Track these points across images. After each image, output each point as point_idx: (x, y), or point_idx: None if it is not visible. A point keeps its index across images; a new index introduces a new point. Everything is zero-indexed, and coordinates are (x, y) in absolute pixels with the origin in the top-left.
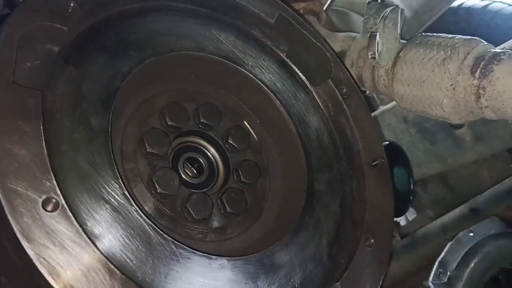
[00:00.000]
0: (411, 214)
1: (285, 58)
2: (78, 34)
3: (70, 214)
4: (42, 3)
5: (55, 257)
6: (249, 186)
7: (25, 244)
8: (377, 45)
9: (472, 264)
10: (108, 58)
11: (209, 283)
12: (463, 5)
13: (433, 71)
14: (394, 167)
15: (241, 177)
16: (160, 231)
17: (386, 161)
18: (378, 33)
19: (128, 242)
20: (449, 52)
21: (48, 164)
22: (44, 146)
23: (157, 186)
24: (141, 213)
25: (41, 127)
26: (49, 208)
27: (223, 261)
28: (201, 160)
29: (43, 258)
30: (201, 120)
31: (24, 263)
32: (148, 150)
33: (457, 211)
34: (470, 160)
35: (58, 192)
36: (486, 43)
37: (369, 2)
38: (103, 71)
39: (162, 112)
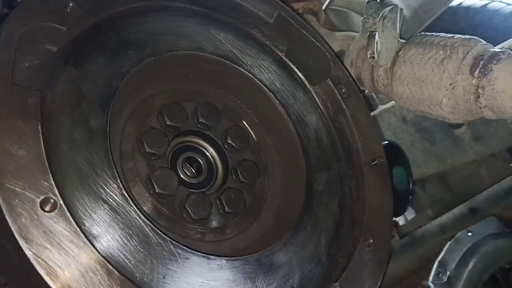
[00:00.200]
0: (410, 214)
1: (284, 58)
2: (77, 34)
3: (68, 214)
4: (41, 3)
5: (53, 258)
6: (248, 186)
7: (23, 244)
8: (376, 44)
9: (471, 264)
10: (107, 58)
11: (208, 283)
12: (462, 5)
13: (432, 70)
14: (393, 167)
15: (240, 177)
16: (159, 231)
17: (385, 160)
18: (377, 33)
19: (127, 242)
20: (448, 52)
21: (46, 164)
22: (43, 146)
23: (155, 186)
24: (139, 213)
25: (40, 127)
26: (47, 208)
27: (222, 261)
28: (200, 160)
29: (41, 259)
30: (200, 120)
31: (22, 263)
32: (146, 150)
33: (456, 211)
34: (469, 160)
35: (56, 192)
36: (485, 42)
37: (368, 1)
38: (102, 71)
39: (161, 112)
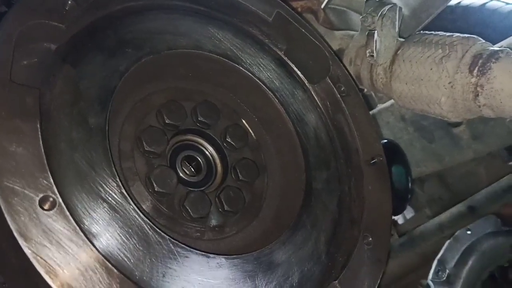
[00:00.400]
0: (408, 213)
1: (283, 56)
2: (76, 32)
3: (67, 212)
4: (40, 1)
5: (52, 256)
6: (247, 185)
7: (22, 243)
8: (375, 43)
9: (470, 262)
10: (105, 56)
11: (207, 281)
12: (461, 4)
13: (431, 69)
14: (392, 166)
15: (239, 175)
16: (158, 230)
17: (384, 159)
18: (376, 31)
19: (126, 240)
20: (447, 50)
21: (45, 163)
22: (41, 145)
23: (154, 185)
24: (138, 211)
25: (39, 126)
26: (46, 206)
27: (221, 259)
28: (199, 159)
29: (40, 257)
30: (199, 119)
31: (21, 262)
32: (145, 149)
33: (454, 210)
34: (467, 159)
35: (55, 190)
36: (484, 41)
37: (367, 0)
38: (101, 69)
39: (160, 111)
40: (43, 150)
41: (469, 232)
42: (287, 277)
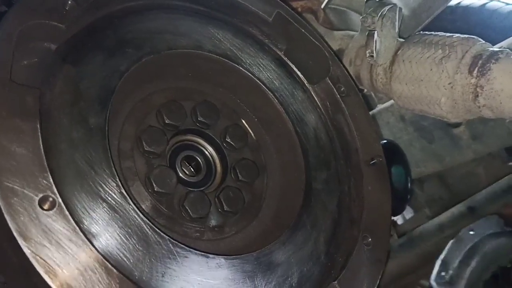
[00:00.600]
0: (408, 213)
1: (283, 57)
2: (76, 32)
3: (67, 212)
4: (40, 1)
5: (52, 256)
6: (247, 185)
7: (21, 242)
8: (375, 43)
9: (473, 263)
10: (105, 56)
11: (207, 281)
12: (461, 4)
13: (431, 69)
14: (392, 166)
15: (239, 175)
16: (157, 230)
17: (384, 159)
18: (376, 32)
19: (125, 240)
20: (447, 51)
21: (45, 163)
22: (41, 144)
23: (154, 185)
24: (138, 211)
25: (38, 125)
26: (46, 206)
27: (221, 260)
28: (198, 159)
29: (40, 257)
30: (198, 119)
31: (21, 261)
32: (145, 149)
33: (454, 210)
34: (467, 159)
35: (55, 190)
36: (483, 42)
37: (367, 0)
38: (101, 69)
39: (160, 111)
40: (43, 150)
41: (471, 233)
42: (287, 277)
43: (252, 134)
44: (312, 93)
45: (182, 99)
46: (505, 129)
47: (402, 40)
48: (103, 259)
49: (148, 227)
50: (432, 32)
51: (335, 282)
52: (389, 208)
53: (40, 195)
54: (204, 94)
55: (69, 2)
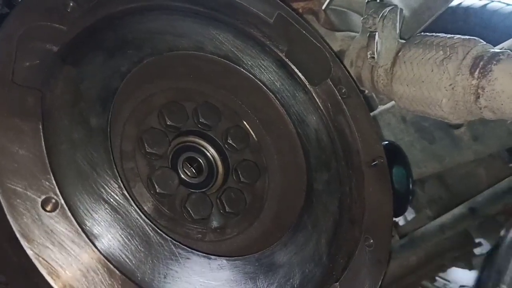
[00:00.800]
0: (409, 214)
1: (284, 58)
2: (77, 34)
3: (69, 214)
4: (41, 2)
5: (55, 257)
6: (248, 186)
7: (24, 244)
8: (376, 44)
9: None
10: (107, 57)
11: (208, 283)
12: (462, 5)
13: (432, 71)
14: (393, 167)
15: (240, 177)
16: (159, 231)
17: (385, 160)
18: (377, 33)
19: (127, 242)
20: (448, 52)
21: (47, 164)
22: (44, 146)
23: (156, 186)
24: (140, 213)
25: (40, 127)
26: (49, 208)
27: (222, 261)
28: (200, 160)
29: (43, 258)
30: (200, 120)
31: (23, 262)
32: (147, 150)
33: (455, 211)
34: (468, 160)
35: (58, 192)
36: (485, 43)
37: (368, 1)
38: (102, 70)
39: (161, 112)
40: (45, 151)
41: None
42: (288, 278)
43: (254, 135)
44: (313, 94)
45: (183, 101)
46: (505, 130)
47: (403, 41)
48: (106, 260)
49: (150, 228)
50: (433, 33)
51: (337, 283)
52: (390, 209)
53: (43, 197)
54: (205, 96)
55: (70, 3)
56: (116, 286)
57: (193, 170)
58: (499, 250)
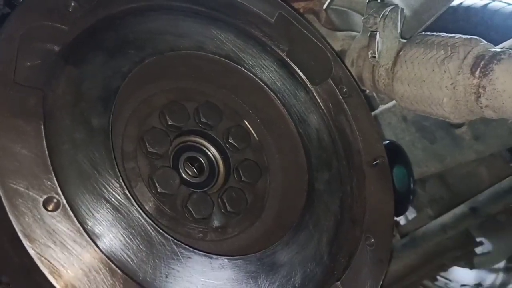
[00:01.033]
0: (410, 213)
1: (285, 58)
2: (79, 34)
3: (71, 213)
4: (43, 2)
5: (56, 257)
6: (250, 186)
7: (26, 243)
8: (377, 44)
9: None
10: (108, 57)
11: (210, 282)
12: (463, 4)
13: (433, 70)
14: (394, 166)
15: (242, 176)
16: (161, 231)
17: (386, 160)
18: (378, 32)
19: (129, 241)
20: (449, 52)
21: (49, 164)
22: (45, 146)
23: (157, 186)
24: (141, 212)
25: (42, 127)
26: (50, 207)
27: (224, 260)
28: (201, 160)
29: (45, 258)
30: (201, 120)
31: (25, 262)
32: (148, 150)
33: (456, 211)
34: (469, 159)
35: (59, 191)
36: (486, 42)
37: (369, 1)
38: (103, 70)
39: (163, 112)
40: (46, 151)
41: None
42: (290, 278)
43: (255, 135)
44: (315, 94)
45: (184, 100)
46: (507, 129)
47: (404, 40)
48: (107, 260)
49: (152, 228)
50: (434, 33)
51: (338, 282)
52: (391, 208)
53: (45, 196)
54: (206, 95)
55: (72, 3)
56: (117, 286)
57: (194, 169)
58: None
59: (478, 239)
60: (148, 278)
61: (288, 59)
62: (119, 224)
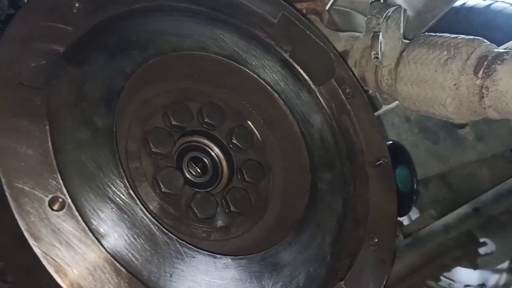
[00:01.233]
0: (414, 214)
1: (288, 58)
2: (83, 35)
3: (76, 213)
4: (47, 3)
5: (62, 256)
6: (253, 186)
7: (32, 242)
8: (380, 45)
9: None
10: (111, 58)
11: (214, 281)
12: (465, 5)
13: (436, 71)
14: (397, 167)
15: (245, 176)
16: (165, 230)
17: (389, 160)
18: (381, 33)
19: (134, 241)
20: (452, 52)
21: (54, 164)
22: (50, 146)
23: (161, 186)
24: (146, 212)
25: (47, 127)
26: (56, 207)
27: (228, 260)
28: (205, 160)
29: (50, 257)
30: (205, 120)
31: (31, 261)
32: (152, 150)
33: (459, 211)
34: (471, 160)
35: (64, 191)
36: (489, 43)
37: (371, 2)
38: (107, 71)
39: (166, 112)
40: (51, 151)
41: None
42: (293, 277)
43: (258, 135)
44: (318, 94)
45: (188, 101)
46: (510, 130)
47: (407, 41)
48: (112, 259)
49: (156, 227)
50: (437, 33)
51: (342, 282)
52: (394, 208)
53: (50, 196)
54: (209, 96)
55: (76, 4)
56: (122, 285)
57: (198, 169)
58: None
59: (481, 240)
60: (152, 278)
61: (291, 60)
62: (123, 224)
